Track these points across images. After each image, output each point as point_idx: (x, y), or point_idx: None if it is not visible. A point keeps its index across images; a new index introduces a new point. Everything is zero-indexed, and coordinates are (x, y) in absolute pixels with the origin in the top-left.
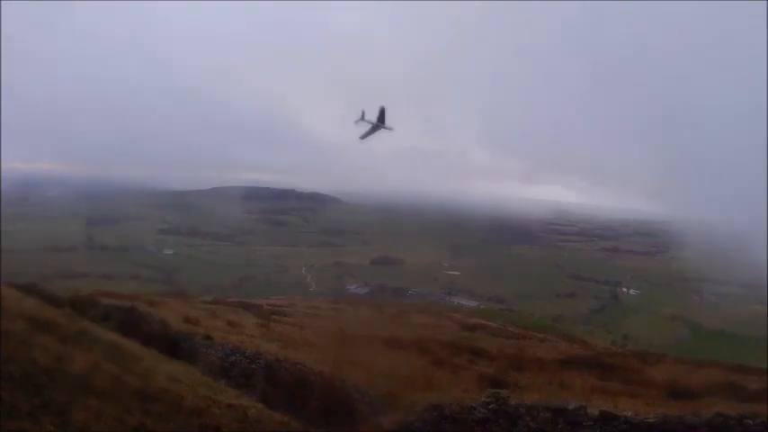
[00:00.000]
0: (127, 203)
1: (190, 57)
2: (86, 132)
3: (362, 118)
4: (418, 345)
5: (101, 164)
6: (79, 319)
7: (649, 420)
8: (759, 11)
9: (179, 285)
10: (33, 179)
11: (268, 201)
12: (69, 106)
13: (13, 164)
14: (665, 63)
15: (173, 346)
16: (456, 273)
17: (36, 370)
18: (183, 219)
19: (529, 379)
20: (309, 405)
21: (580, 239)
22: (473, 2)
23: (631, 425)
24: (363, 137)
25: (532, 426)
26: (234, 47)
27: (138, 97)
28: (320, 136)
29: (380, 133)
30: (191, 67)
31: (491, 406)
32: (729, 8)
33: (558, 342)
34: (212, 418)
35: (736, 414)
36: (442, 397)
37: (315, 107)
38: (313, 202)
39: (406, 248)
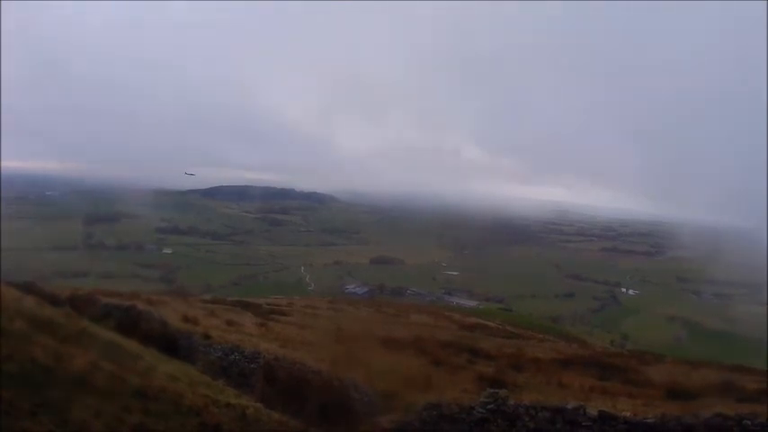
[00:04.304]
0: (126, 202)
1: (188, 58)
2: (86, 132)
3: None
4: (417, 344)
5: (100, 163)
6: (78, 318)
7: (648, 421)
8: (759, 11)
9: (178, 284)
10: (33, 179)
11: (267, 200)
12: (69, 106)
13: (12, 163)
14: (665, 63)
15: (172, 345)
16: (455, 272)
17: (35, 369)
18: (181, 218)
19: (527, 379)
20: (308, 404)
21: (579, 240)
22: (469, 2)
23: (630, 425)
24: None
25: (531, 426)
26: (228, 47)
27: (137, 97)
28: (317, 137)
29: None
30: (189, 69)
31: (490, 406)
32: (729, 8)
33: (557, 342)
34: (211, 417)
35: (735, 414)
36: (441, 397)
37: (314, 109)
38: (312, 202)
39: (405, 248)
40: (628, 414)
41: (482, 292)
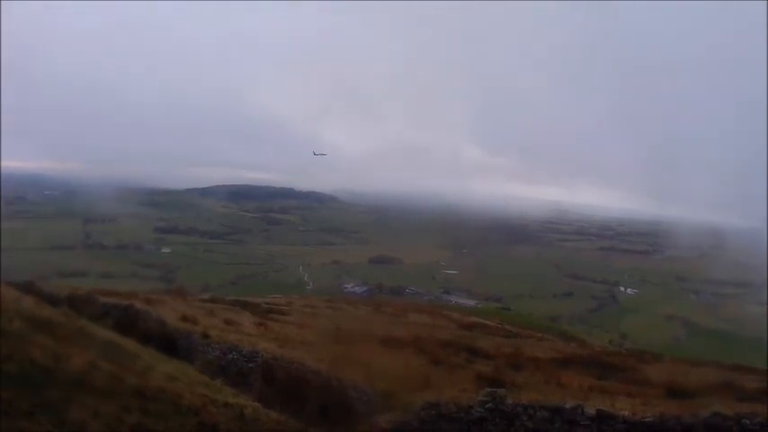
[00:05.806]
0: (124, 202)
1: (187, 58)
2: (85, 132)
3: None
4: (416, 344)
5: (99, 163)
6: (77, 317)
7: (647, 420)
8: (759, 11)
9: (176, 284)
10: (31, 178)
11: (266, 199)
12: (68, 106)
13: (12, 163)
14: (665, 63)
15: (170, 344)
16: (454, 272)
17: (34, 369)
18: (180, 217)
19: (526, 378)
20: (306, 404)
21: (578, 239)
22: (469, 2)
23: (629, 424)
24: None
25: (529, 425)
26: (227, 47)
27: (137, 97)
28: (316, 137)
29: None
30: (189, 69)
31: (488, 405)
32: (729, 8)
33: (556, 341)
34: (209, 417)
35: (734, 414)
36: (440, 396)
37: (313, 109)
38: (311, 201)
39: (403, 247)
40: (626, 413)
41: (481, 292)
